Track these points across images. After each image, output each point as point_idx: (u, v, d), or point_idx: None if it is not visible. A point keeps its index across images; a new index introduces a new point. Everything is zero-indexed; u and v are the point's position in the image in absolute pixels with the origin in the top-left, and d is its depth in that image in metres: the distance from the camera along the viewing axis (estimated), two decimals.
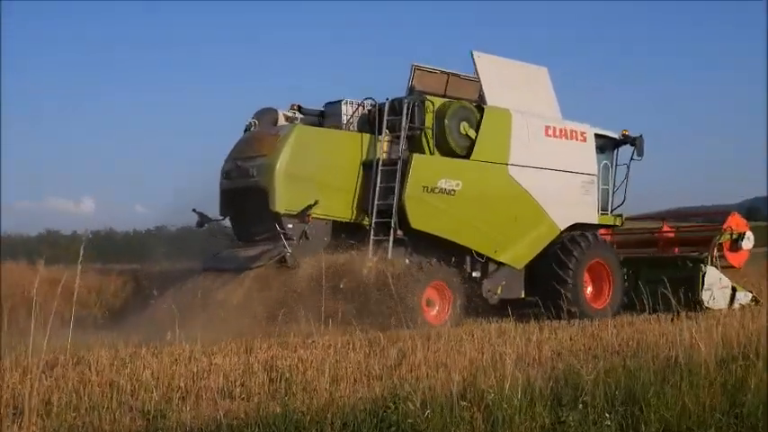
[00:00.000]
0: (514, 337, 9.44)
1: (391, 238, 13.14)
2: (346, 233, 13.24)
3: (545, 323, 12.63)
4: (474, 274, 14.28)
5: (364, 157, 13.55)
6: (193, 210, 13.68)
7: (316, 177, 13.05)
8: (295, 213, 12.77)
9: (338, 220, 13.29)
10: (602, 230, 16.29)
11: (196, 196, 13.81)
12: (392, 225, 13.13)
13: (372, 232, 13.23)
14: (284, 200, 12.84)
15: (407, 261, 13.11)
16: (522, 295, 14.70)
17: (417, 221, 13.39)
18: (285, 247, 12.53)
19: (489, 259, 14.34)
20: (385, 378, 7.46)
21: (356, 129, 13.95)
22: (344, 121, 14.00)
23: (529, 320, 13.14)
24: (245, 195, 13.20)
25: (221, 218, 13.92)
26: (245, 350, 9.17)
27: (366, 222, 13.35)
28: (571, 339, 10.37)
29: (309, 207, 12.73)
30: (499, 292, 14.54)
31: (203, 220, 13.88)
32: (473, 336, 10.04)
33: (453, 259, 13.90)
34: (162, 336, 9.24)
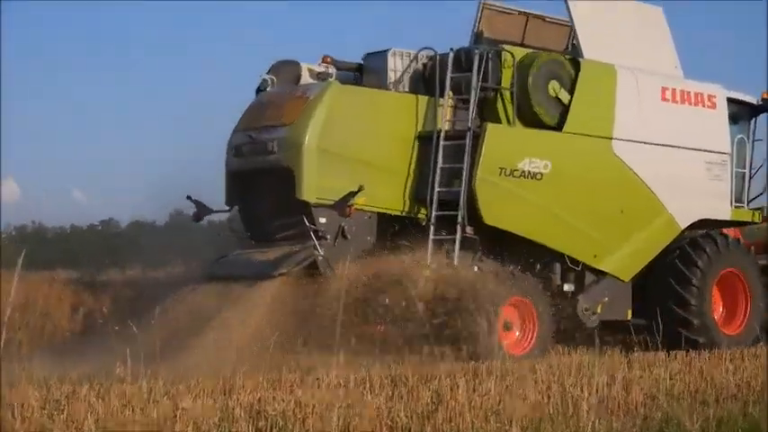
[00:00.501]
0: (594, 374, 8.75)
1: (458, 238, 11.95)
2: (395, 230, 12.16)
3: (636, 354, 11.75)
4: (566, 288, 13.08)
5: (420, 128, 12.38)
6: (188, 197, 12.58)
7: (357, 154, 12.01)
8: (330, 203, 11.67)
9: (385, 212, 12.16)
10: (729, 228, 15.05)
11: (184, 180, 12.92)
12: (458, 220, 11.96)
13: (432, 229, 12.00)
14: (315, 185, 11.75)
15: (476, 269, 12.02)
16: (629, 316, 13.53)
17: (492, 215, 12.22)
18: (316, 249, 11.51)
19: (586, 267, 13.13)
20: (414, 431, 6.96)
21: (408, 89, 12.80)
22: (392, 79, 12.84)
23: (614, 349, 12.43)
24: (260, 179, 12.20)
25: (227, 208, 12.71)
26: (223, 390, 8.58)
27: (423, 216, 12.24)
28: (671, 378, 9.57)
29: (351, 195, 11.59)
30: (599, 311, 13.27)
31: (201, 211, 12.72)
32: (537, 371, 9.39)
33: (538, 267, 12.79)
34: (111, 369, 8.75)
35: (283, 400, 7.77)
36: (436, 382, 8.67)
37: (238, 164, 12.47)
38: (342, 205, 11.66)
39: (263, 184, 12.24)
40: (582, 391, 7.96)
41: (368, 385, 8.71)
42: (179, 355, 9.73)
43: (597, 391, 8.16)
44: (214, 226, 13.51)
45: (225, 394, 8.46)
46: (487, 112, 12.65)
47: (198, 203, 12.71)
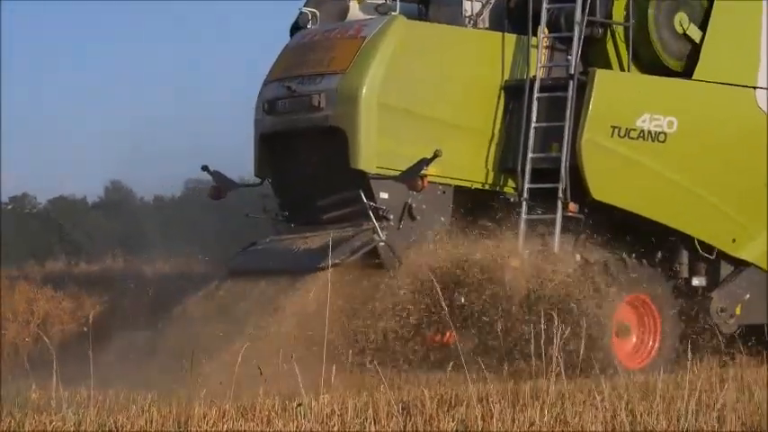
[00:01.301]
0: (673, 396, 7.98)
1: (558, 218, 11.27)
2: (474, 207, 11.55)
3: (731, 367, 10.94)
4: (695, 282, 12.31)
5: (507, 76, 11.77)
6: (204, 168, 12.01)
7: (428, 110, 11.37)
8: (395, 174, 11.08)
9: (463, 185, 11.56)
10: None
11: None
12: (559, 195, 11.31)
13: (524, 207, 11.42)
14: (375, 150, 11.05)
15: (578, 258, 11.34)
16: None
17: (602, 188, 11.51)
18: (376, 233, 10.86)
19: (722, 256, 12.39)
20: None
21: (489, 26, 12.13)
22: (468, 12, 12.11)
23: (711, 361, 11.39)
24: (302, 142, 11.63)
25: (258, 181, 12.13)
26: (175, 420, 7.63)
27: (511, 190, 11.68)
28: None
29: (425, 163, 10.89)
30: (738, 312, 12.46)
31: (222, 185, 12.07)
32: (594, 395, 8.25)
33: (660, 256, 12.01)
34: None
35: None
36: (462, 409, 7.83)
37: (273, 123, 11.77)
38: (412, 176, 10.92)
39: (305, 149, 11.67)
40: (658, 419, 7.41)
41: (371, 413, 7.81)
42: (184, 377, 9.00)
43: (678, 419, 7.49)
44: (235, 203, 12.74)
45: (179, 426, 7.68)
46: (595, 54, 12.03)
47: (217, 176, 12.09)
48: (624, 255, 11.54)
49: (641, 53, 11.88)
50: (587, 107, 11.36)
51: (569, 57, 11.58)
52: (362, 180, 11.07)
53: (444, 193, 11.36)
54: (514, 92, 11.65)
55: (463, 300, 10.90)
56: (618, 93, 11.73)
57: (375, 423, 7.59)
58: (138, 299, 12.62)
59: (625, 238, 11.79)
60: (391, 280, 10.97)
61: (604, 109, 11.50)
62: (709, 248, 12.20)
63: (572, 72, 11.45)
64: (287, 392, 8.67)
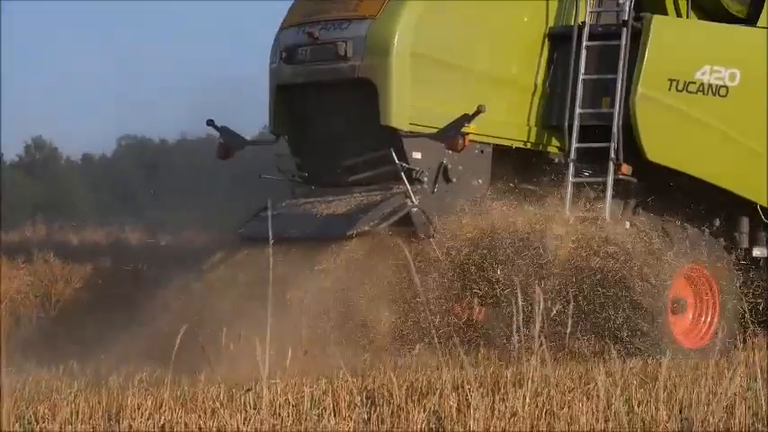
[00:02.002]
0: (676, 384, 7.42)
1: (609, 181, 10.69)
2: (515, 169, 11.03)
3: (742, 349, 10.55)
4: (756, 253, 11.67)
5: (552, 22, 11.15)
6: (209, 122, 11.32)
7: (466, 61, 10.78)
8: (431, 132, 10.38)
9: (503, 144, 10.94)
10: None
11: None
12: (611, 155, 10.71)
13: (571, 168, 10.82)
14: (409, 105, 10.39)
15: (628, 225, 10.82)
16: None
17: (658, 148, 10.90)
18: (409, 197, 10.25)
19: None
20: None
21: None
22: None
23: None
24: (325, 96, 10.99)
25: (273, 138, 11.45)
26: (104, 413, 7.15)
27: (556, 150, 11.07)
28: None
29: (466, 119, 10.19)
30: None
31: (231, 142, 11.32)
32: (588, 384, 7.86)
33: (718, 223, 11.51)
34: None
35: (200, 428, 6.78)
36: (435, 399, 7.33)
37: (292, 74, 11.09)
38: (453, 134, 10.29)
39: (328, 103, 11.09)
40: (658, 408, 6.98)
41: (331, 404, 7.32)
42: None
43: (680, 409, 7.13)
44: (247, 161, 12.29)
45: (110, 419, 7.25)
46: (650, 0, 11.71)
47: (225, 131, 11.45)
48: (678, 222, 11.08)
49: None
50: (642, 58, 10.82)
51: (621, 1, 11.03)
52: (393, 138, 10.52)
53: (483, 152, 10.84)
54: (560, 40, 11.10)
55: (499, 271, 10.33)
56: (676, 42, 11.18)
57: (335, 414, 7.07)
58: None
59: (674, 204, 11.32)
60: (425, 249, 10.34)
61: (661, 60, 10.97)
62: None
63: (625, 19, 10.88)
64: (236, 380, 8.27)
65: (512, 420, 6.84)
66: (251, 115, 12.65)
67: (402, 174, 10.42)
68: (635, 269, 10.40)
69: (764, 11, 11.52)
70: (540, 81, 11.16)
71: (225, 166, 12.66)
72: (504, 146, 11.00)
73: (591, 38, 10.93)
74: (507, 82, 11.03)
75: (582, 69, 10.91)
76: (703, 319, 11.05)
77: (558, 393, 7.48)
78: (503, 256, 10.50)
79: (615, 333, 10.30)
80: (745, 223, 11.67)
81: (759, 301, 11.60)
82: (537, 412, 7.05)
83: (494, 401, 7.19)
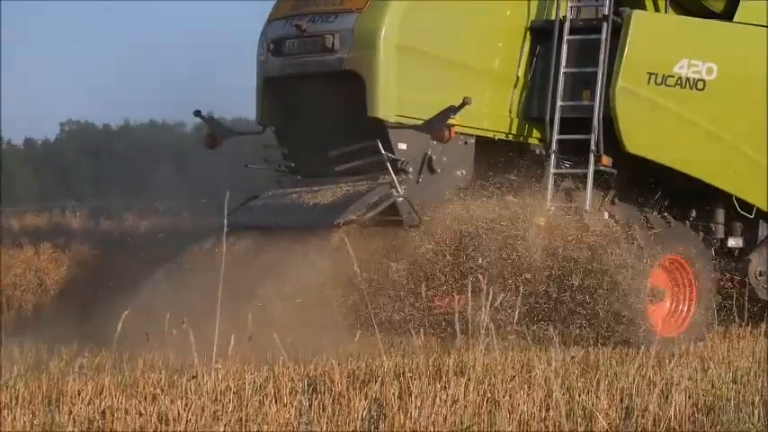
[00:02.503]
0: (617, 373, 7.77)
1: (590, 172, 10.88)
2: (497, 161, 11.16)
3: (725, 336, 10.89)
4: (731, 243, 11.99)
5: (534, 16, 11.31)
6: (197, 113, 11.58)
7: (452, 54, 10.95)
8: (417, 123, 10.62)
9: (486, 136, 11.11)
10: None
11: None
12: (591, 147, 10.88)
13: (552, 160, 11.00)
14: (395, 96, 10.56)
15: (606, 216, 10.99)
16: None
17: (636, 140, 11.07)
18: (394, 187, 10.46)
19: (761, 215, 11.96)
20: None
21: None
22: None
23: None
24: (312, 87, 11.08)
25: (260, 129, 11.56)
26: (44, 398, 7.21)
27: (537, 141, 11.29)
28: (736, 381, 8.05)
29: (452, 111, 10.41)
30: None
31: (217, 133, 11.57)
32: (530, 372, 7.99)
33: (694, 214, 11.83)
34: None
35: (140, 414, 6.69)
36: (377, 386, 7.39)
37: (280, 66, 11.22)
38: (439, 125, 10.43)
39: (316, 95, 11.08)
40: (598, 397, 7.13)
41: (272, 391, 7.40)
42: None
43: (618, 398, 7.29)
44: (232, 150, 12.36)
45: (50, 404, 7.20)
46: None
47: (212, 122, 11.71)
48: (655, 213, 11.22)
49: None
50: (622, 52, 10.92)
51: None
52: (380, 129, 10.60)
53: (466, 143, 10.99)
54: (542, 34, 11.18)
55: (481, 261, 10.39)
56: (655, 36, 11.23)
57: (276, 401, 7.03)
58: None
59: (651, 195, 11.46)
60: (411, 239, 10.42)
61: (641, 54, 11.04)
62: (747, 207, 11.72)
63: (606, 13, 10.96)
64: (177, 367, 8.27)
65: (453, 408, 6.90)
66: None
67: (388, 164, 10.53)
68: (614, 258, 10.40)
69: (740, 5, 11.53)
70: (522, 74, 11.21)
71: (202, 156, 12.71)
72: (486, 137, 11.10)
73: (572, 32, 11.03)
74: (490, 75, 11.08)
75: (563, 63, 11.02)
76: (680, 308, 11.11)
77: (500, 382, 7.61)
78: (483, 246, 10.46)
79: (592, 322, 10.30)
80: (720, 214, 11.81)
81: (733, 290, 11.64)
82: (479, 400, 7.14)
83: (435, 389, 7.25)
